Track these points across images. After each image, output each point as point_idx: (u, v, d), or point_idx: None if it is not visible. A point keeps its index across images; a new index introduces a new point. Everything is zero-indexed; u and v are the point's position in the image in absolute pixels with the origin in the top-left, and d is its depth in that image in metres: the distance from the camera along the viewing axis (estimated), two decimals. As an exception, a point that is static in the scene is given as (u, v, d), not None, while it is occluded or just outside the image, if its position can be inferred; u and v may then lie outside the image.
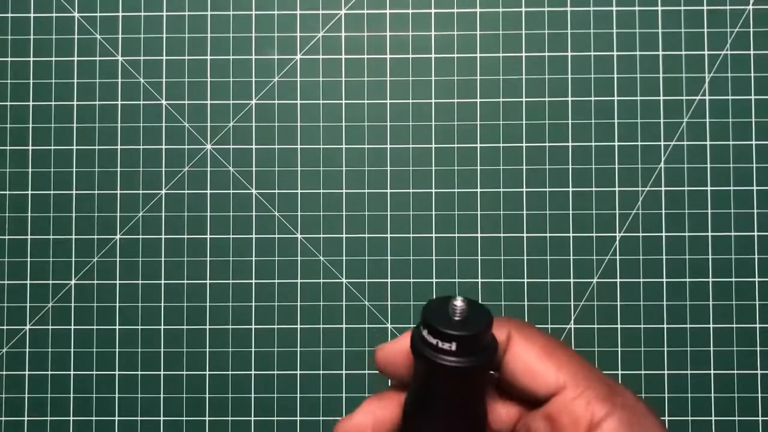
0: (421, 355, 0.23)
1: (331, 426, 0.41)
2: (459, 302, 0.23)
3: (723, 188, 0.41)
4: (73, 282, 0.42)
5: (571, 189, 0.41)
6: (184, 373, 0.41)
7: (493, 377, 0.25)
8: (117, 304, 0.42)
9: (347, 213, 0.41)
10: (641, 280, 0.41)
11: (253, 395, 0.41)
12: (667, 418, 0.40)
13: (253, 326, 0.41)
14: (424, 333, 0.23)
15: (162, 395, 0.41)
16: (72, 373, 0.41)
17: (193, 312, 0.41)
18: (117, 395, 0.41)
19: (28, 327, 0.42)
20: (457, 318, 0.23)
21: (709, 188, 0.41)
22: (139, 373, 0.41)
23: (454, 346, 0.23)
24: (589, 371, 0.24)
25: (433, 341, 0.23)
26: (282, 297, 0.41)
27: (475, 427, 0.24)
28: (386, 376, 0.25)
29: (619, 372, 0.41)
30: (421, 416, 0.24)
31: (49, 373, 0.41)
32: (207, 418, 0.41)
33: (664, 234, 0.41)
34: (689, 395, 0.41)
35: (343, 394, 0.41)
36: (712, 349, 0.41)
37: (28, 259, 0.42)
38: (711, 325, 0.41)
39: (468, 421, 0.24)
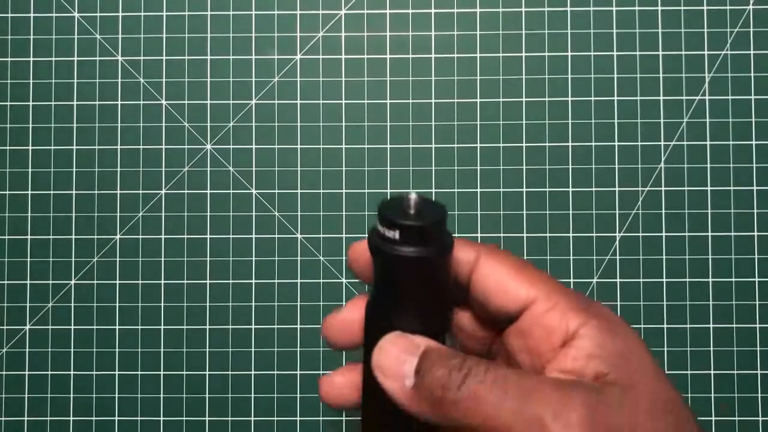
0: (373, 247, 0.24)
1: (332, 426, 0.41)
2: (413, 196, 0.23)
3: (723, 188, 0.41)
4: (73, 282, 0.42)
5: (571, 189, 0.42)
6: (184, 373, 0.41)
7: (450, 275, 0.24)
8: (117, 304, 0.42)
9: (347, 213, 0.41)
10: (641, 280, 0.41)
11: (253, 395, 0.41)
12: (667, 418, 0.40)
13: (253, 326, 0.41)
14: (378, 225, 0.23)
15: (162, 395, 0.41)
16: (72, 373, 0.41)
17: (193, 312, 0.41)
18: (117, 395, 0.41)
19: (28, 327, 0.42)
20: (411, 211, 0.23)
21: (709, 188, 0.41)
22: (139, 373, 0.41)
23: (397, 234, 0.23)
24: (560, 286, 0.23)
25: (385, 232, 0.23)
26: (282, 297, 0.41)
27: (433, 322, 0.24)
28: (355, 274, 0.26)
29: (619, 372, 0.41)
30: (378, 310, 0.24)
31: (49, 373, 0.41)
32: (207, 419, 0.41)
33: (664, 234, 0.41)
34: (689, 395, 0.41)
35: (343, 394, 0.41)
36: (712, 349, 0.41)
37: (28, 259, 0.42)
38: (711, 325, 0.41)
39: (423, 315, 0.24)
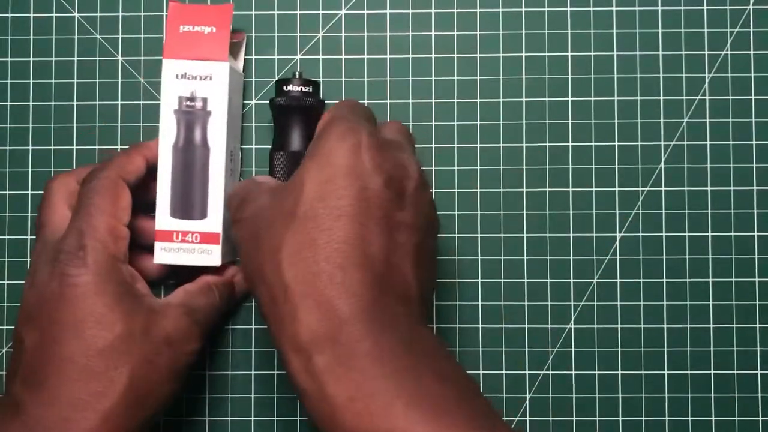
0: (283, 104, 0.38)
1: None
2: (297, 71, 0.39)
3: (723, 188, 0.41)
4: (73, 282, 0.42)
5: (571, 189, 0.41)
6: (184, 373, 0.41)
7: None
8: (117, 304, 0.41)
9: (347, 213, 0.41)
10: (641, 280, 0.41)
11: (253, 395, 0.41)
12: (667, 418, 0.40)
13: (253, 326, 0.41)
14: (287, 87, 0.39)
15: (162, 395, 0.41)
16: (72, 373, 0.41)
17: (193, 312, 0.41)
18: (117, 395, 0.41)
19: (28, 327, 0.41)
20: (299, 80, 0.39)
21: (709, 188, 0.41)
22: (139, 373, 0.41)
23: (310, 89, 0.39)
24: (343, 117, 0.31)
25: (294, 88, 0.39)
26: (282, 297, 0.41)
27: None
28: None
29: (620, 372, 0.41)
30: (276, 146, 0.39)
31: (49, 373, 0.41)
32: (207, 419, 0.41)
33: (664, 234, 0.41)
34: (689, 395, 0.41)
35: (343, 394, 0.41)
36: (712, 349, 0.41)
37: (28, 259, 0.42)
38: (711, 325, 0.41)
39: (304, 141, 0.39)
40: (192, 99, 0.37)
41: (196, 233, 0.37)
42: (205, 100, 0.37)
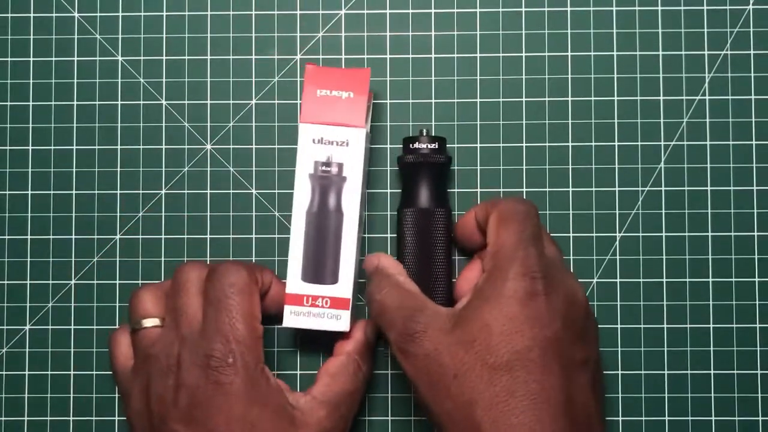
0: (413, 161, 0.38)
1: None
2: (424, 131, 0.39)
3: (723, 188, 0.41)
4: (73, 282, 0.42)
5: (571, 189, 0.42)
6: (184, 373, 0.41)
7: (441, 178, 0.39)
8: (117, 304, 0.42)
9: (347, 213, 0.41)
10: (641, 280, 0.41)
11: None
12: (666, 418, 0.40)
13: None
14: (416, 146, 0.39)
15: (162, 395, 0.41)
16: (72, 373, 0.41)
17: (193, 312, 0.41)
18: (116, 395, 0.41)
19: (28, 327, 0.42)
20: (428, 139, 0.39)
21: (709, 188, 0.41)
22: (139, 373, 0.41)
23: (436, 145, 0.39)
24: (515, 245, 0.32)
25: (426, 146, 0.39)
26: (282, 297, 0.41)
27: (444, 200, 0.39)
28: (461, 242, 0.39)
29: (619, 372, 0.41)
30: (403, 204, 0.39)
31: (49, 373, 0.41)
32: None
33: (664, 234, 0.41)
34: (689, 395, 0.41)
35: (343, 394, 0.41)
36: (712, 349, 0.41)
37: (28, 259, 0.42)
38: (711, 325, 0.41)
39: (440, 198, 0.39)
40: (328, 164, 0.37)
41: (326, 298, 0.37)
42: (340, 166, 0.37)
